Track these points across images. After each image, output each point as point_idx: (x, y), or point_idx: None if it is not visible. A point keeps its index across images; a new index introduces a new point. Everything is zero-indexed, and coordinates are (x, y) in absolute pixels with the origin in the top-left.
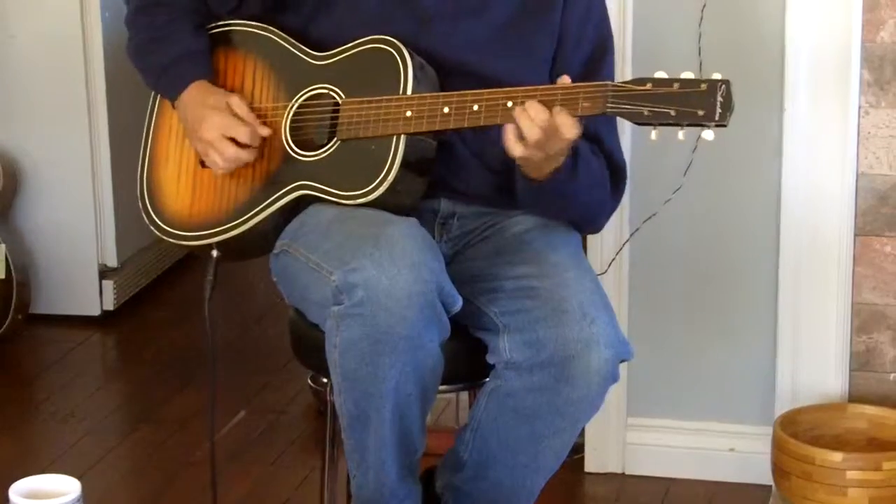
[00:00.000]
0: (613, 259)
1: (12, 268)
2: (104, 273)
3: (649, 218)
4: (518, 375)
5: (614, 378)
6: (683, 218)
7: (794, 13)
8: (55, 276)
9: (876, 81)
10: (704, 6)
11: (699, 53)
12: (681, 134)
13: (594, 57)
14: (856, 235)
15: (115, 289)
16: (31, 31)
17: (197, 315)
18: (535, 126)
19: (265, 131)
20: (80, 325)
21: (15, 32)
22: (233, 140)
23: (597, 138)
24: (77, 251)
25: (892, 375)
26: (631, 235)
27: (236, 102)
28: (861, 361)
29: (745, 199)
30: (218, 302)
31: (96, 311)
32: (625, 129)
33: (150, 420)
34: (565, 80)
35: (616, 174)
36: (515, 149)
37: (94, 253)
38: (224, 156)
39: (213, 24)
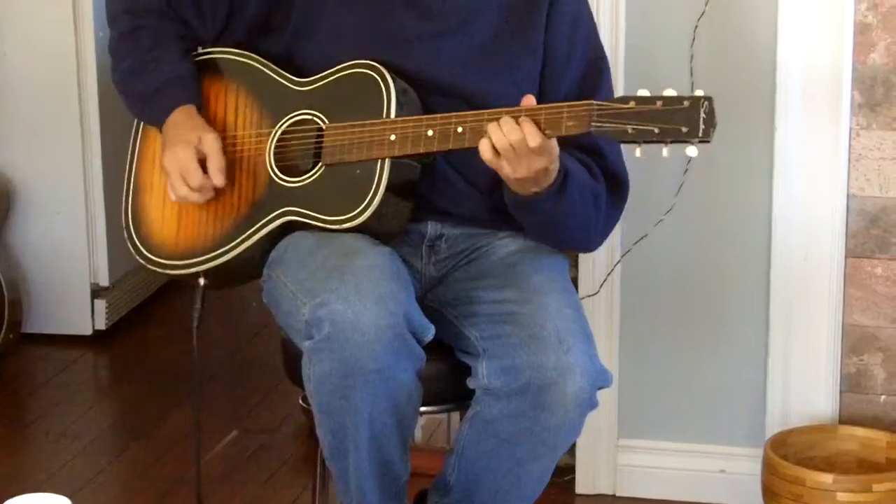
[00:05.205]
0: (605, 280)
1: (4, 286)
2: (96, 292)
3: (641, 239)
4: (496, 401)
5: (592, 405)
6: (675, 239)
7: (786, 34)
8: (47, 295)
9: (867, 103)
10: (696, 26)
11: (691, 74)
12: (665, 151)
13: (588, 77)
14: (846, 257)
15: (107, 308)
16: (23, 49)
17: (188, 335)
18: (506, 140)
19: (219, 181)
20: (72, 344)
21: (7, 50)
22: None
23: (598, 151)
24: (69, 270)
25: (882, 397)
26: (622, 256)
27: (208, 141)
28: (852, 383)
29: (736, 221)
30: (211, 321)
31: (88, 331)
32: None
33: (141, 439)
34: (530, 99)
35: (618, 188)
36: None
37: (86, 272)
38: (174, 190)
39: (196, 53)
